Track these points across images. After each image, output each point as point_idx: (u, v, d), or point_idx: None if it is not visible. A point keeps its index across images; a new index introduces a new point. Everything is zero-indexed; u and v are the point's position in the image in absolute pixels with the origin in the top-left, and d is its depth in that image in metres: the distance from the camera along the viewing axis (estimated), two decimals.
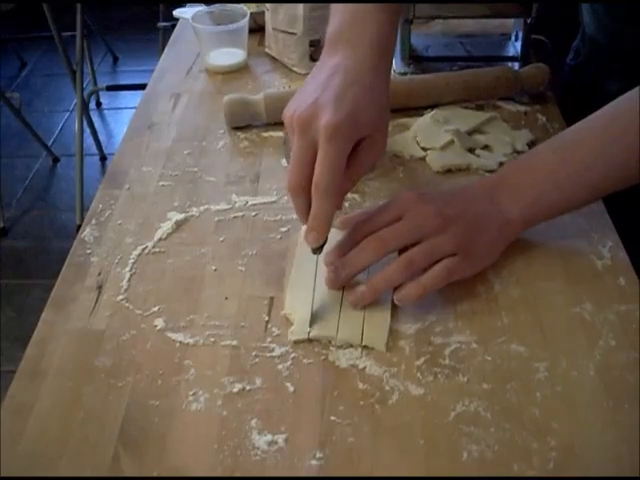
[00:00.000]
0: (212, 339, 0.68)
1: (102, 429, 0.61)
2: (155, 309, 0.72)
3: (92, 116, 2.79)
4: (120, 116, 3.08)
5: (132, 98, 2.96)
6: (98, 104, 3.14)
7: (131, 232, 0.82)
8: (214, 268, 0.76)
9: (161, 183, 0.90)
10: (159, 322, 0.70)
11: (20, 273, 2.31)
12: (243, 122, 0.99)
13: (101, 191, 0.89)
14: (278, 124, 0.94)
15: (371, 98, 0.69)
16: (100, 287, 0.75)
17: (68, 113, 3.07)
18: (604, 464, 0.56)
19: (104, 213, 0.85)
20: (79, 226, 0.85)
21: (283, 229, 0.81)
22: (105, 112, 3.13)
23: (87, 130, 2.69)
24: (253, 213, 0.83)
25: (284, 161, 0.91)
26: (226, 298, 0.73)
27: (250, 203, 0.85)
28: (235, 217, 0.83)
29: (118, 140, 1.02)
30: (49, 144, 2.83)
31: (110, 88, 2.86)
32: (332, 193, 0.65)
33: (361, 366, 0.65)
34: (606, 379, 0.62)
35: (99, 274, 0.77)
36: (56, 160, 2.80)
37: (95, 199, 0.88)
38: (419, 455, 0.58)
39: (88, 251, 0.80)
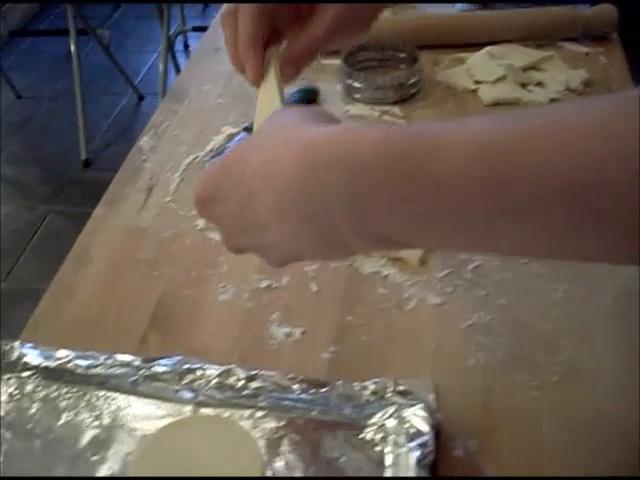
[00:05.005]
0: None
1: (135, 312, 0.66)
2: None
3: (179, 58, 2.85)
4: None
5: None
6: (186, 46, 3.20)
7: (185, 143, 0.86)
8: None
9: (219, 101, 0.93)
10: (200, 222, 0.74)
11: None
12: None
13: (162, 105, 0.94)
14: (336, 52, 0.95)
15: None
16: (150, 189, 0.79)
17: (156, 54, 3.13)
18: (604, 384, 0.57)
19: (162, 125, 0.89)
20: None
21: None
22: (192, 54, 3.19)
23: (173, 71, 2.76)
24: None
25: (338, 87, 0.93)
26: None
27: None
28: None
29: None
30: (136, 82, 2.91)
31: (196, 29, 2.92)
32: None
33: (384, 273, 0.67)
34: (622, 307, 0.63)
35: (151, 178, 0.81)
36: (141, 98, 2.88)
37: (156, 112, 0.92)
38: (427, 357, 0.60)
39: (144, 157, 0.84)
